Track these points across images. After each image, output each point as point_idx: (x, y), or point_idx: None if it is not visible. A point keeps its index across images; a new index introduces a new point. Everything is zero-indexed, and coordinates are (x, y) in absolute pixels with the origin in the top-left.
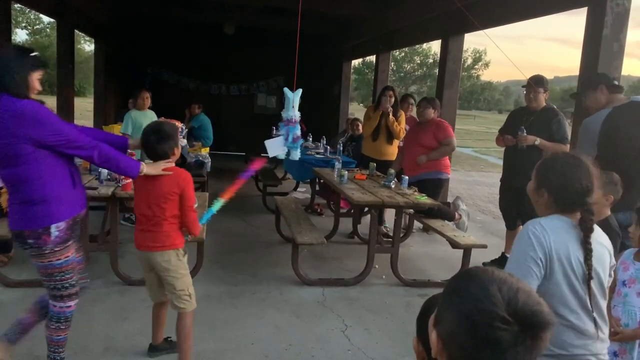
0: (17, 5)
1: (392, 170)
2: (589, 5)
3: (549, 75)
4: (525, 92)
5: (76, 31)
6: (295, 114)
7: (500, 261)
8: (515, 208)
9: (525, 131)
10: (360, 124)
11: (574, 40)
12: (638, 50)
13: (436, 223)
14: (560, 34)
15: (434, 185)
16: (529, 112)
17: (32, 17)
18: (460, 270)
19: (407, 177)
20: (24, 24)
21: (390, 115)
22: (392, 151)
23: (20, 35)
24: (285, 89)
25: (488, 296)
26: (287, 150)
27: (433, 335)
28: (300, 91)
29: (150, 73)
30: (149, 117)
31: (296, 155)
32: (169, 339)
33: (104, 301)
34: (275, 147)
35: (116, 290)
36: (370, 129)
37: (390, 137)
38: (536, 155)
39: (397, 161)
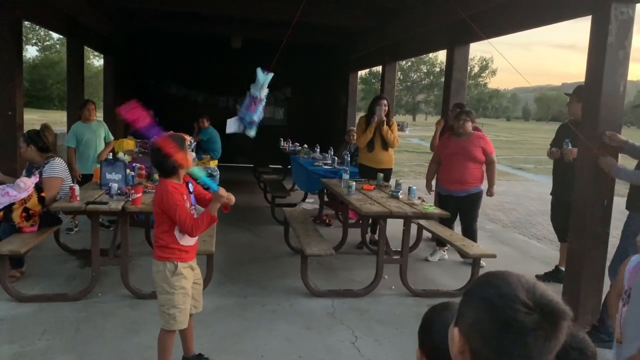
0: (27, 22)
1: (400, 180)
2: (592, 14)
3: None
4: (567, 102)
5: (85, 46)
6: (262, 95)
7: (555, 274)
8: (566, 220)
9: (570, 144)
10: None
11: (581, 46)
12: None
13: (445, 232)
14: (567, 40)
15: (480, 198)
16: (575, 124)
17: (42, 33)
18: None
19: (415, 187)
20: (34, 41)
21: (385, 125)
22: (388, 159)
23: (30, 52)
24: (259, 70)
25: (509, 284)
26: (243, 128)
27: (454, 333)
28: (271, 75)
29: (153, 85)
30: (93, 129)
31: (251, 133)
32: (200, 354)
33: (115, 315)
34: (232, 125)
35: (127, 304)
36: (365, 141)
37: (386, 144)
38: None
39: (430, 172)
